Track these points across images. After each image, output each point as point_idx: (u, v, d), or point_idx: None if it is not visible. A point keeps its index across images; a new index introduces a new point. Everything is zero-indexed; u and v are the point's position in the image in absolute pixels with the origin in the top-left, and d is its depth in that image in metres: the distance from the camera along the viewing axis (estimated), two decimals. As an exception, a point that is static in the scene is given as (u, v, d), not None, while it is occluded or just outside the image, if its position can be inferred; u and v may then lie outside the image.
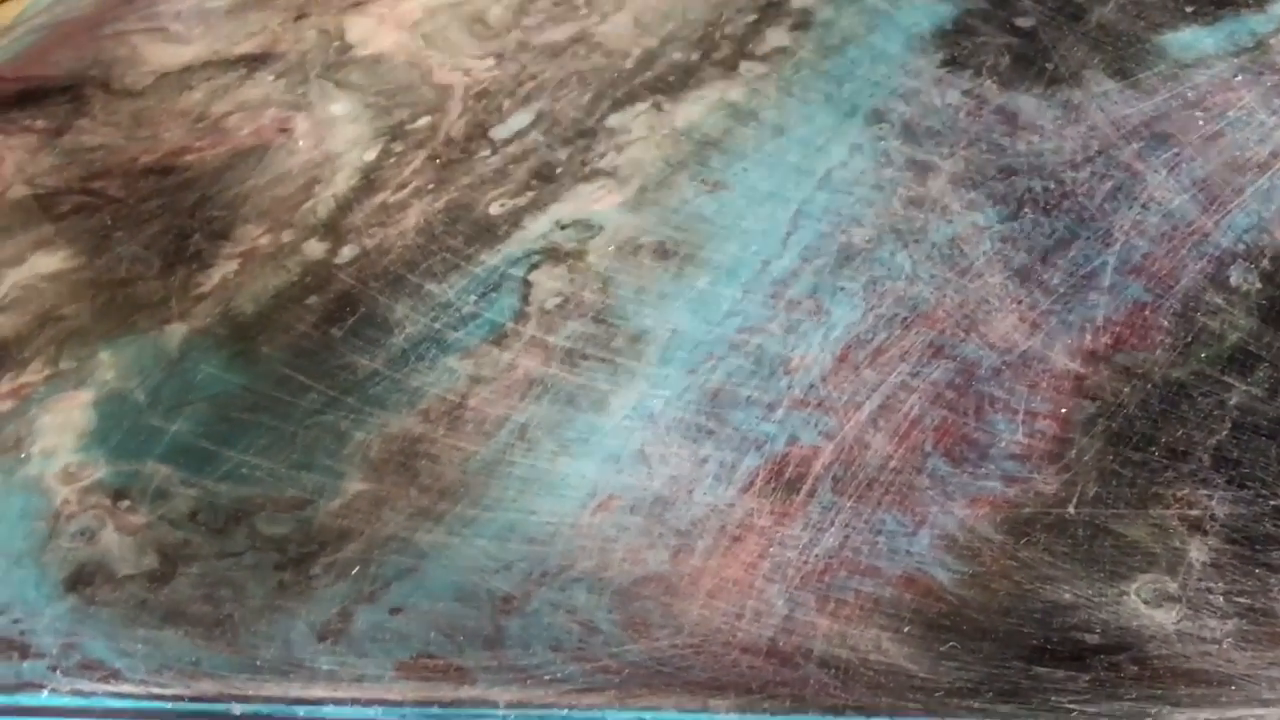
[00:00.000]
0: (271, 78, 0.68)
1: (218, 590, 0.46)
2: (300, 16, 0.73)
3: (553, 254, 0.55)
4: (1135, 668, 0.42)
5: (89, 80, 0.71)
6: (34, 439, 0.51)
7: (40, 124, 0.68)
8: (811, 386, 0.50)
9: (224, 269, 0.57)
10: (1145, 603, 0.43)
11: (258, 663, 0.45)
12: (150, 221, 0.60)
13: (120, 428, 0.50)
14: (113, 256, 0.58)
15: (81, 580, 0.47)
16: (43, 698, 0.45)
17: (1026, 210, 0.54)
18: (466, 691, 0.43)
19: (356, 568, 0.46)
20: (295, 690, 0.44)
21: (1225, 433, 0.47)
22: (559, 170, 0.59)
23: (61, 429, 0.51)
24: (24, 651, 0.45)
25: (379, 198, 0.59)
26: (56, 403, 0.52)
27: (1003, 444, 0.47)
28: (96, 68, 0.72)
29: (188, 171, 0.63)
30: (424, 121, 0.63)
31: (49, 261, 0.58)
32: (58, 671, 0.45)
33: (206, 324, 0.54)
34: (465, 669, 0.44)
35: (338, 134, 0.64)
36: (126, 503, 0.48)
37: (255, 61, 0.70)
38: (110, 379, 0.52)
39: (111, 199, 0.62)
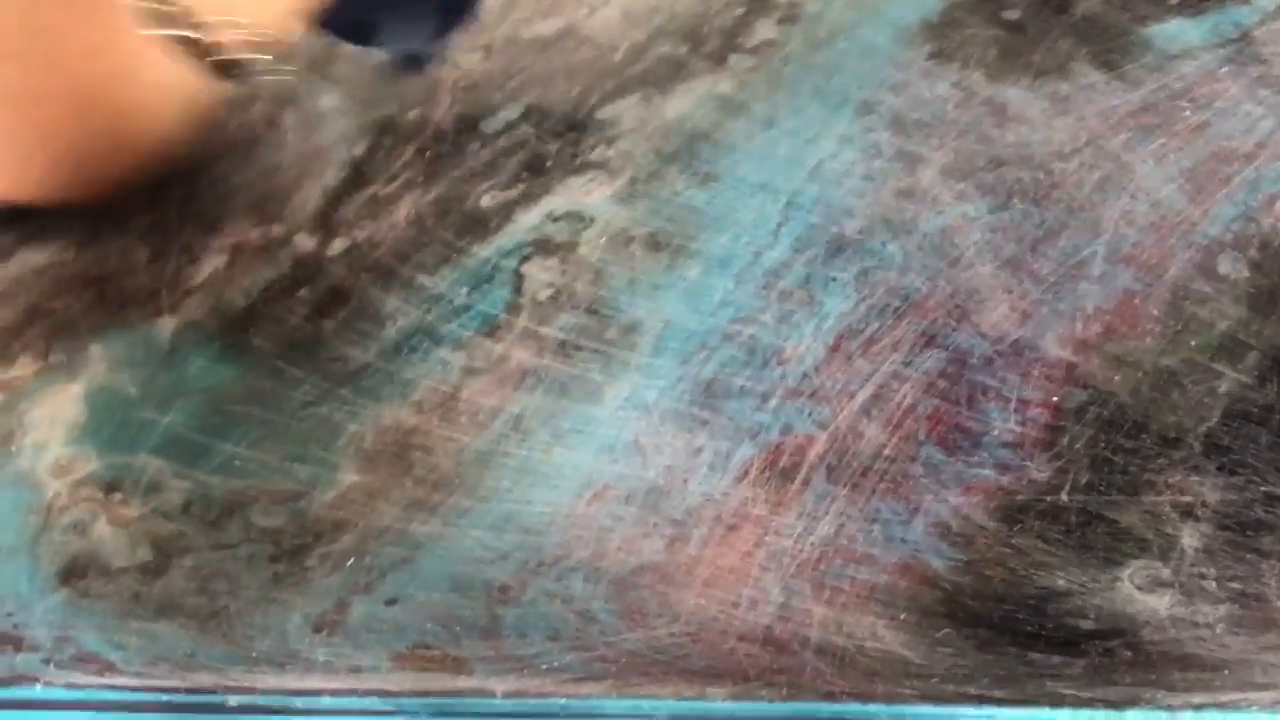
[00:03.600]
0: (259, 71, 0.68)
1: (212, 582, 0.46)
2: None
3: (544, 246, 0.55)
4: (1129, 653, 0.42)
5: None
6: (25, 433, 0.50)
7: (25, 118, 0.68)
8: (805, 376, 0.50)
9: (214, 262, 0.56)
10: (1138, 588, 0.43)
11: (253, 654, 0.44)
12: (139, 215, 0.60)
13: (112, 421, 0.50)
14: (101, 250, 0.58)
15: (75, 573, 0.47)
16: (36, 691, 0.45)
17: (1016, 201, 0.55)
18: (464, 681, 0.43)
19: (352, 559, 0.46)
20: (291, 681, 0.44)
21: (1215, 419, 0.47)
22: (549, 163, 0.59)
23: (52, 422, 0.50)
24: (17, 645, 0.45)
25: (369, 191, 0.59)
26: (47, 396, 0.51)
27: (995, 432, 0.47)
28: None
29: (176, 165, 0.62)
30: (413, 115, 0.63)
31: (37, 255, 0.58)
32: (51, 664, 0.45)
33: (198, 317, 0.54)
34: (462, 659, 0.44)
35: (326, 127, 0.63)
36: (119, 495, 0.48)
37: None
38: (101, 372, 0.52)
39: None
